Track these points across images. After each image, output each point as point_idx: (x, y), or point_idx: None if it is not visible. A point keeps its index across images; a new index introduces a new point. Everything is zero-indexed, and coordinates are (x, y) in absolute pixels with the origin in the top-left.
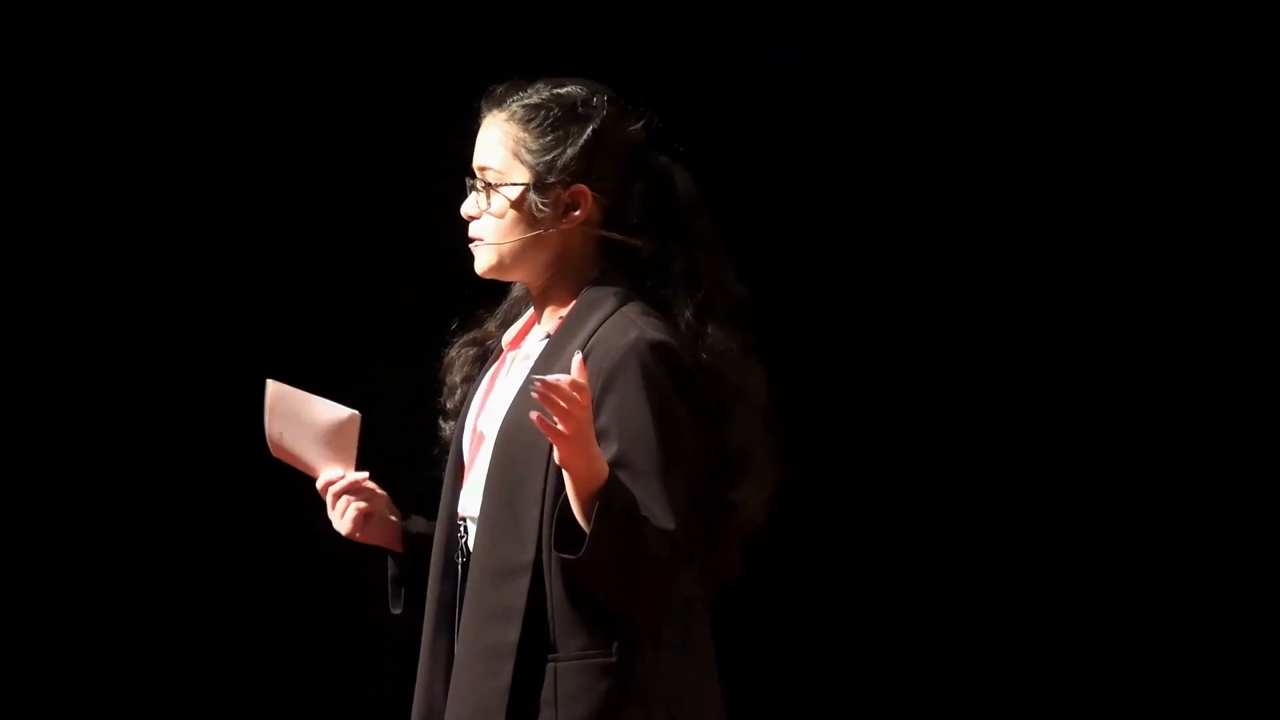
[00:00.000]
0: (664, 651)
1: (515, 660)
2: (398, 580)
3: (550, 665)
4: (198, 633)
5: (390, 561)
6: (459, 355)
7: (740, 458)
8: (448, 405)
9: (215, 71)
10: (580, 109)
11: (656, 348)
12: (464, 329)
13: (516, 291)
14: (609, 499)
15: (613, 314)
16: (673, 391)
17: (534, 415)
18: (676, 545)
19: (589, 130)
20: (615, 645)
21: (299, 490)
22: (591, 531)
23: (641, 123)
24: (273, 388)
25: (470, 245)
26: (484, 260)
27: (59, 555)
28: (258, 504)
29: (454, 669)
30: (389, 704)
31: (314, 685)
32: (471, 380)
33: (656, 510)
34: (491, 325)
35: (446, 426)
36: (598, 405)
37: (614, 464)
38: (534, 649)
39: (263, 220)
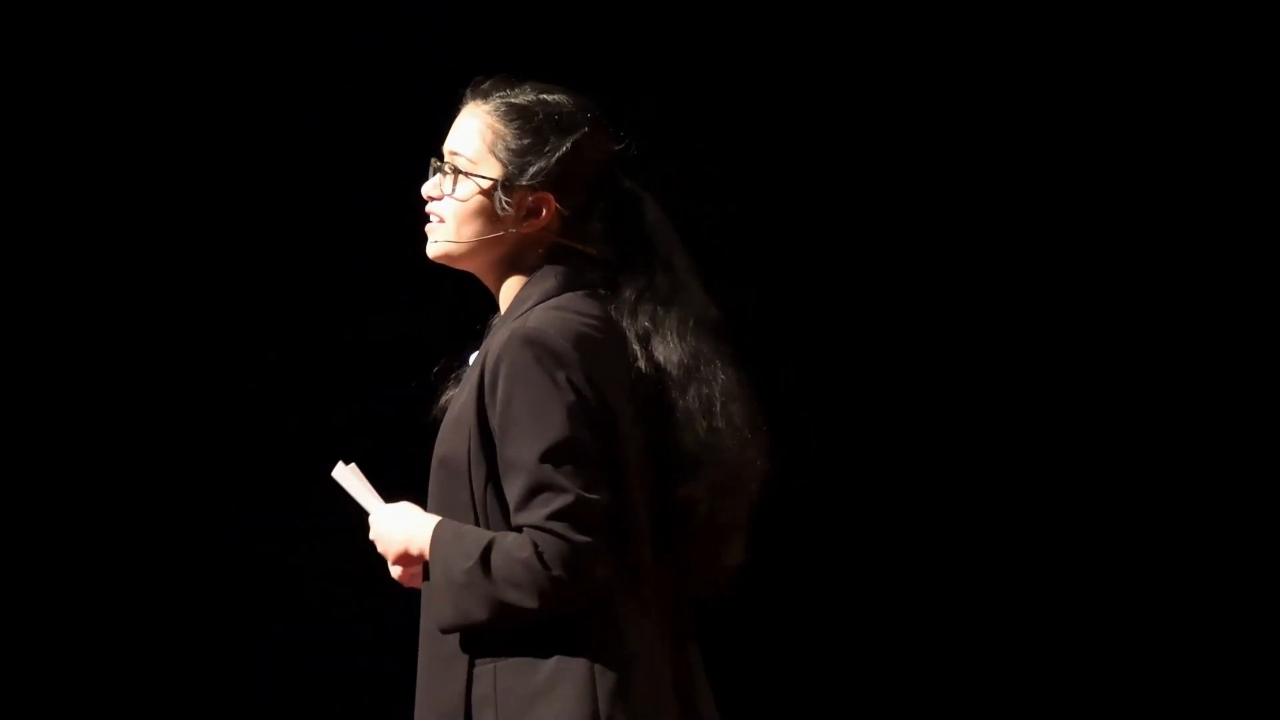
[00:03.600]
0: (596, 638)
1: (465, 663)
2: None
3: (489, 666)
4: (196, 633)
5: None
6: (443, 394)
7: (688, 456)
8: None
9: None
10: (562, 120)
11: (526, 341)
12: (450, 368)
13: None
14: (433, 571)
15: (528, 311)
16: (540, 378)
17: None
18: (541, 538)
19: (568, 143)
20: (545, 638)
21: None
22: (430, 606)
23: (618, 146)
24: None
25: (426, 226)
26: (437, 246)
27: (59, 555)
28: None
29: (418, 676)
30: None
31: (318, 690)
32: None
33: (518, 509)
34: (472, 358)
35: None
36: (492, 406)
37: (503, 463)
38: (476, 651)
39: (260, 220)
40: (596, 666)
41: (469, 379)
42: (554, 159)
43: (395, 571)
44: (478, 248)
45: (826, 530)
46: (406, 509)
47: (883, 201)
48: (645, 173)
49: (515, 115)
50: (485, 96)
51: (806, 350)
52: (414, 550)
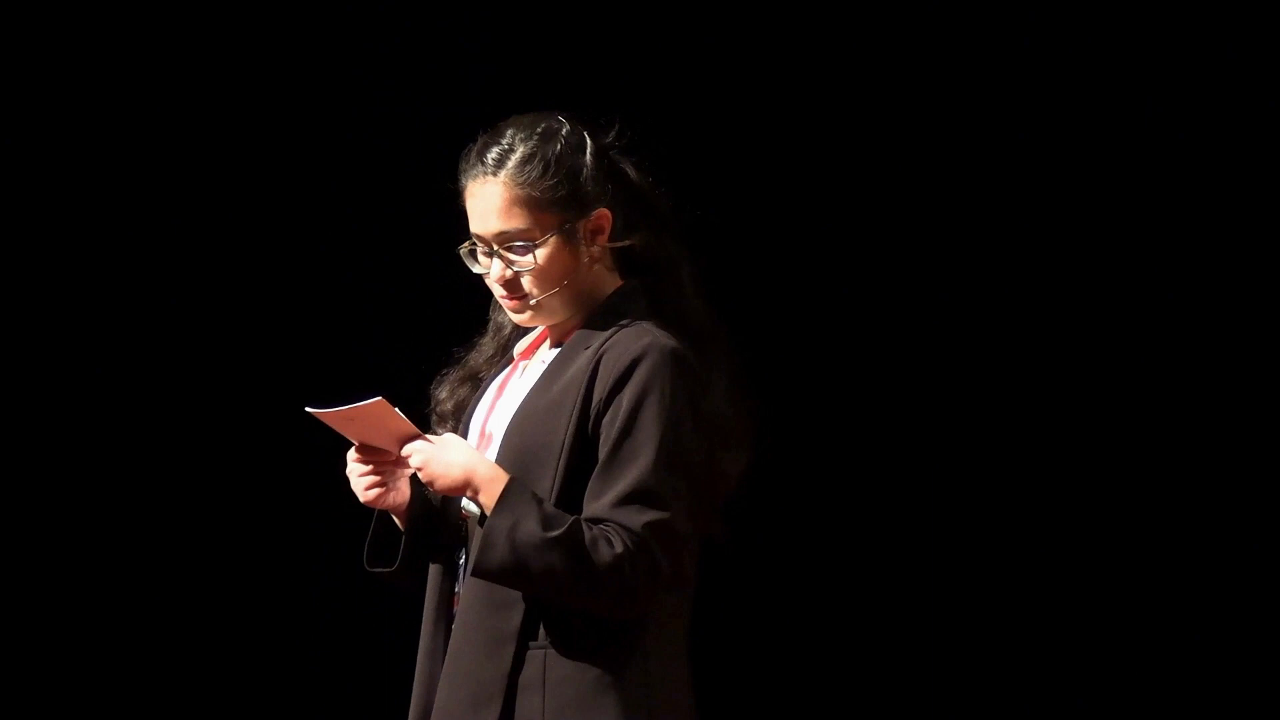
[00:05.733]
0: (651, 645)
1: (515, 647)
2: (382, 538)
3: (540, 652)
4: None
5: (396, 523)
6: (451, 394)
7: (723, 425)
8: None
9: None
10: (571, 141)
11: (671, 353)
12: (451, 366)
13: (500, 320)
14: (496, 515)
15: (630, 323)
16: (683, 399)
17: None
18: (640, 541)
19: (588, 157)
20: (602, 634)
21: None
22: (479, 546)
23: (610, 131)
24: (318, 413)
25: (514, 308)
26: (537, 316)
27: (58, 556)
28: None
29: (448, 657)
30: (387, 703)
31: (312, 684)
32: (463, 409)
33: (623, 504)
34: (480, 358)
35: (441, 429)
36: (608, 401)
37: (608, 455)
38: (527, 636)
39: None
40: (650, 674)
41: (560, 373)
42: (586, 178)
43: (426, 482)
44: (570, 290)
45: (816, 529)
46: (465, 443)
47: (870, 198)
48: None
49: (539, 167)
50: (489, 167)
51: (790, 346)
52: (472, 489)
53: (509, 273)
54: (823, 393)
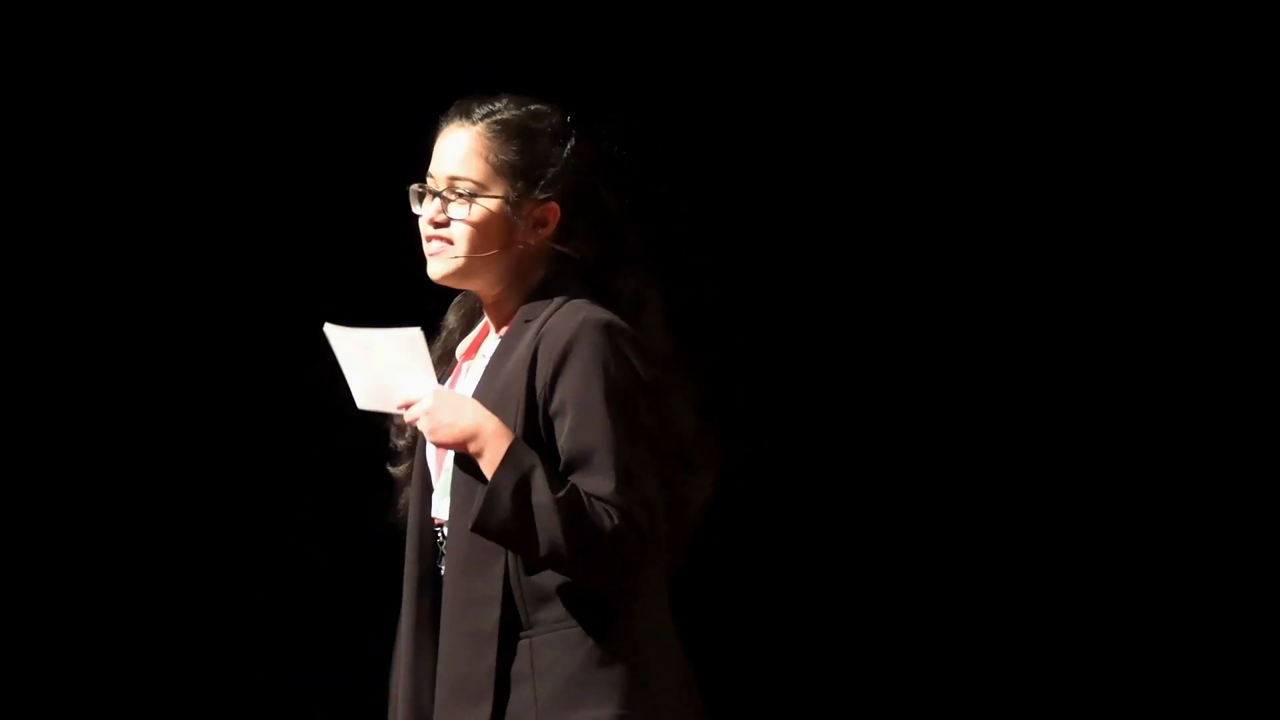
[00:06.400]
0: (637, 625)
1: (498, 643)
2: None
3: (525, 641)
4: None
5: None
6: None
7: (688, 453)
8: (399, 442)
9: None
10: (557, 131)
11: (605, 326)
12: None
13: (457, 313)
14: (500, 473)
15: (562, 306)
16: (624, 366)
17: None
18: (629, 517)
19: (566, 152)
20: (586, 617)
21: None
22: (482, 502)
23: (598, 146)
24: (333, 333)
25: (432, 253)
26: (447, 267)
27: (58, 556)
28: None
29: (439, 660)
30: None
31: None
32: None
33: (603, 484)
34: (458, 349)
35: (400, 441)
36: (552, 386)
37: (569, 440)
38: (510, 629)
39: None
40: (638, 649)
41: (501, 366)
42: (558, 170)
43: (428, 432)
44: (490, 263)
45: (816, 528)
46: (475, 401)
47: (870, 198)
48: (618, 175)
49: (513, 133)
50: (470, 117)
51: (790, 346)
52: (475, 444)
53: (442, 216)
54: (822, 392)
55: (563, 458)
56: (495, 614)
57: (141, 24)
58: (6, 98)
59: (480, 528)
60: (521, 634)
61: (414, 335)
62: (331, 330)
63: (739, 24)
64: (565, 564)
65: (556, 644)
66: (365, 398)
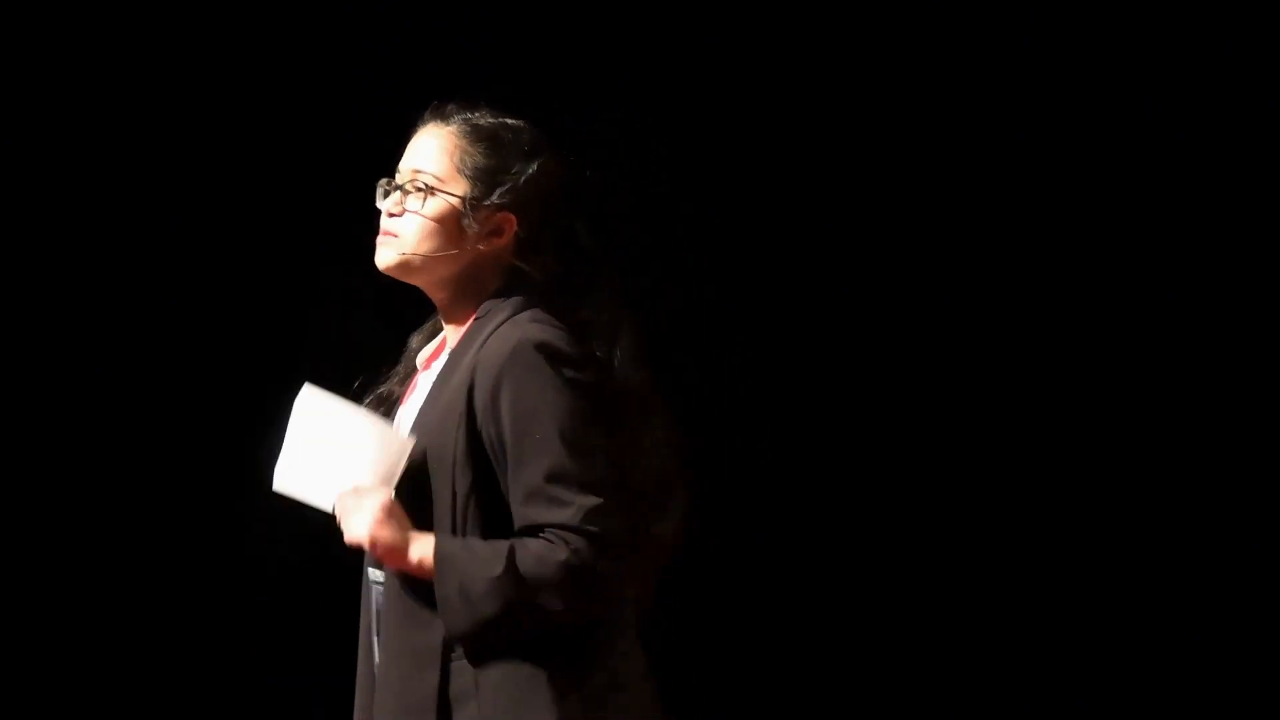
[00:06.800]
0: (587, 639)
1: (441, 660)
2: None
3: (464, 662)
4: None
5: None
6: (391, 395)
7: (657, 489)
8: None
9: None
10: (527, 146)
11: (538, 347)
12: (367, 388)
13: (421, 336)
14: (440, 584)
15: (504, 322)
16: (560, 384)
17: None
18: (584, 535)
19: (533, 166)
20: (534, 635)
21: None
22: (443, 619)
23: (571, 172)
24: (308, 396)
25: (380, 243)
26: (391, 257)
27: (56, 555)
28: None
29: (378, 675)
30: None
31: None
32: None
33: (553, 510)
34: (393, 380)
35: None
36: (491, 411)
37: (514, 470)
38: (454, 646)
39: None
40: (588, 663)
41: (446, 383)
42: (520, 180)
43: (362, 542)
44: (436, 263)
45: (816, 528)
46: (394, 520)
47: (870, 198)
48: (590, 203)
49: (482, 136)
50: (446, 118)
51: (790, 346)
52: (413, 557)
53: (398, 208)
54: (822, 392)
55: (511, 480)
56: (438, 634)
57: (141, 24)
58: (6, 98)
59: (457, 639)
60: (457, 656)
61: (406, 443)
62: (307, 395)
63: (738, 24)
64: (542, 620)
65: (500, 662)
66: (289, 477)
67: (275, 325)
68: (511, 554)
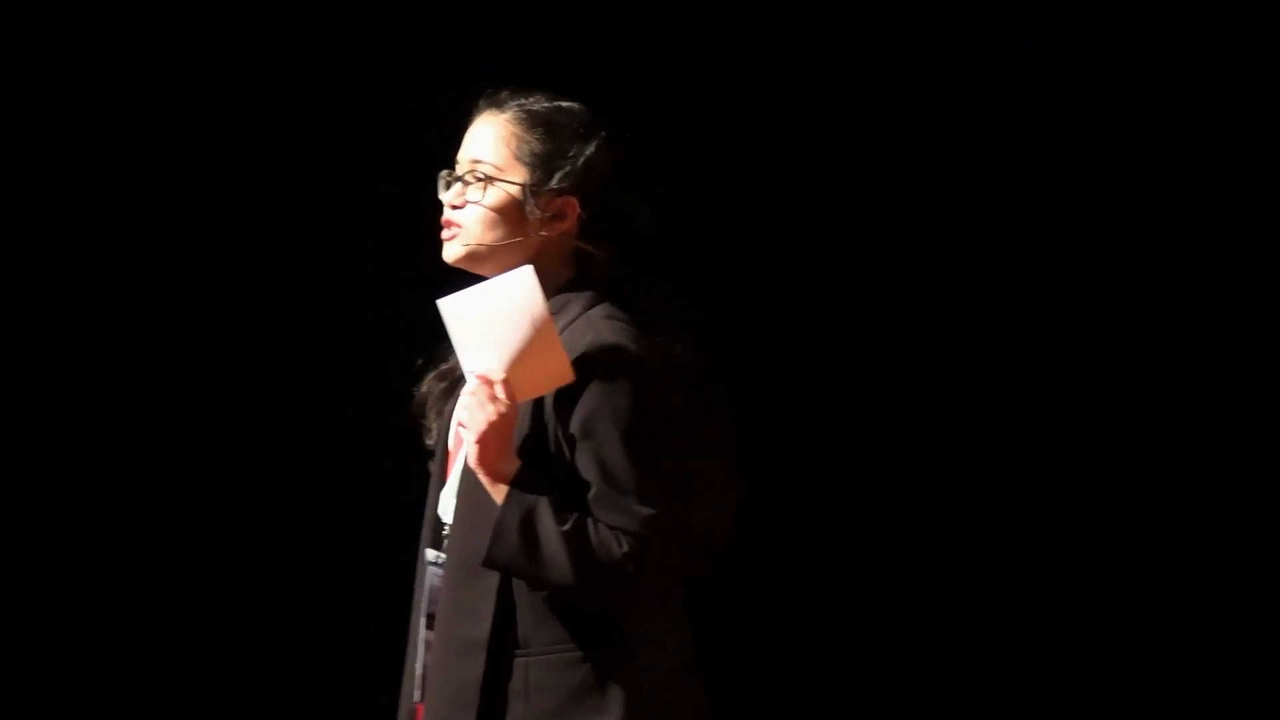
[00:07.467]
0: (636, 645)
1: (486, 654)
2: None
3: (521, 660)
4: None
5: None
6: (430, 390)
7: (713, 486)
8: (429, 442)
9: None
10: (582, 128)
11: (608, 350)
12: (430, 364)
13: None
14: (507, 506)
15: (578, 318)
16: (628, 388)
17: (456, 421)
18: (642, 540)
19: (590, 148)
20: (584, 639)
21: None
22: (491, 536)
23: (624, 155)
24: (448, 302)
25: (446, 238)
26: (458, 249)
27: (56, 555)
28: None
29: (431, 660)
30: (378, 697)
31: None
32: (425, 403)
33: (616, 509)
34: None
35: (429, 441)
36: (562, 409)
37: (581, 466)
38: (505, 643)
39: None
40: (635, 673)
41: None
42: (579, 163)
43: (471, 444)
44: (503, 251)
45: (817, 529)
46: (511, 423)
47: (870, 198)
48: (641, 179)
49: (538, 122)
50: (500, 106)
51: (790, 346)
52: (503, 469)
53: (460, 200)
54: (822, 392)
55: (578, 482)
56: (485, 626)
57: (142, 24)
58: (6, 98)
59: (490, 563)
60: (518, 653)
61: (521, 273)
62: (445, 302)
63: (739, 24)
64: (571, 591)
65: (553, 664)
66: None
67: (275, 325)
68: (582, 522)
